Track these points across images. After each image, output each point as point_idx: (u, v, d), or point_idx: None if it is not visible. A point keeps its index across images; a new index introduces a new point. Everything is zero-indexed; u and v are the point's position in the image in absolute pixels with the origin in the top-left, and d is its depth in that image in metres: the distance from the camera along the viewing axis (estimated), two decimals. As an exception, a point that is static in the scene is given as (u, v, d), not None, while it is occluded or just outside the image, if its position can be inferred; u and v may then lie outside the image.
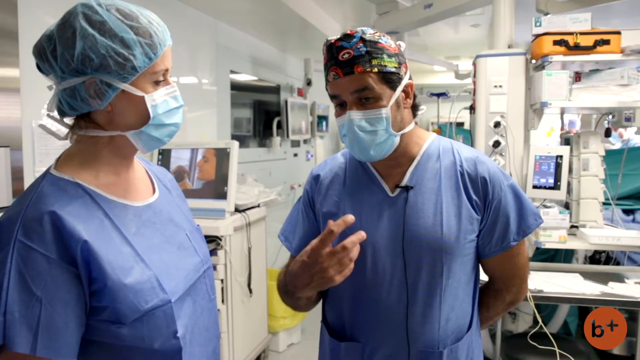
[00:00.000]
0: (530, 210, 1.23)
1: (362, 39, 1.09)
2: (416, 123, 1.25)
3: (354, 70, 1.08)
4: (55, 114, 0.96)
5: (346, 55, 1.09)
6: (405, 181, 1.20)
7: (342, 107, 1.14)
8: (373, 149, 1.14)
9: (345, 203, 1.24)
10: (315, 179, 1.32)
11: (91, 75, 0.88)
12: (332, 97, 1.15)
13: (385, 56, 1.10)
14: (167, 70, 0.97)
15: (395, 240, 1.17)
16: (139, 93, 0.92)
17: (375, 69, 1.09)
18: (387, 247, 1.18)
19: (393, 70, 1.11)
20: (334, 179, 1.29)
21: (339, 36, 1.11)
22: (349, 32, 1.11)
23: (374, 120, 1.11)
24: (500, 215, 1.19)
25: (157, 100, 0.95)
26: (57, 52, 0.88)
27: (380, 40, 1.11)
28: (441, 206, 1.16)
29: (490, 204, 1.18)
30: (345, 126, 1.14)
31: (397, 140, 1.15)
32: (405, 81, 1.14)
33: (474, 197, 1.18)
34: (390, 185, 1.22)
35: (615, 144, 5.49)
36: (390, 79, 1.11)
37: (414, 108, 1.22)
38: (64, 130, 0.98)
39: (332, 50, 1.11)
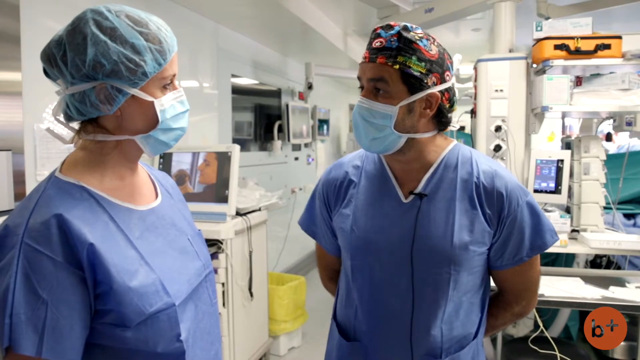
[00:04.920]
0: (547, 227, 1.20)
1: (399, 34, 1.09)
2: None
3: (376, 59, 1.10)
4: (62, 118, 0.96)
5: (378, 44, 1.11)
6: (419, 188, 1.19)
7: (362, 91, 1.17)
8: (370, 140, 1.15)
9: (358, 203, 1.25)
10: (330, 177, 1.34)
11: (102, 80, 0.89)
12: (358, 79, 1.17)
13: (414, 58, 1.08)
14: (174, 75, 0.98)
15: (404, 247, 1.17)
16: (149, 98, 0.93)
17: (397, 66, 1.08)
18: (396, 254, 1.18)
19: (416, 74, 1.08)
20: (348, 178, 1.29)
21: (383, 24, 1.13)
22: (392, 23, 1.11)
23: (377, 114, 1.12)
24: (515, 231, 1.17)
25: (166, 105, 0.96)
26: (67, 57, 0.89)
27: (418, 42, 1.09)
28: (453, 217, 1.15)
29: (504, 219, 1.16)
30: (354, 109, 1.17)
31: (401, 141, 1.14)
32: (430, 90, 1.10)
33: (488, 210, 1.16)
34: (405, 191, 1.21)
35: (609, 150, 5.47)
36: (410, 82, 1.09)
37: (441, 122, 1.18)
38: (71, 135, 0.98)
39: (372, 35, 1.13)
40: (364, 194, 1.25)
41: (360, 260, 1.23)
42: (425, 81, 1.10)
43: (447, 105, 1.15)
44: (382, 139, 1.14)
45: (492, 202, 1.16)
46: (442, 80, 1.12)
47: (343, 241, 1.27)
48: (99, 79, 0.89)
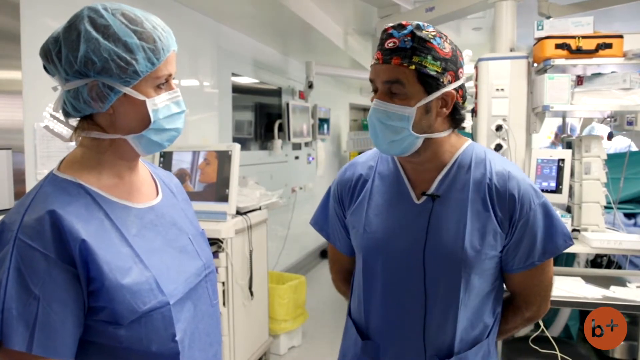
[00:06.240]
0: (560, 231, 1.18)
1: (412, 33, 1.06)
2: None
3: (391, 60, 1.07)
4: (60, 114, 0.96)
5: (391, 44, 1.08)
6: (432, 189, 1.18)
7: (375, 93, 1.14)
8: (389, 143, 1.13)
9: (371, 203, 1.24)
10: (345, 177, 1.33)
11: (94, 77, 0.89)
12: (370, 81, 1.15)
13: (429, 57, 1.06)
14: (170, 75, 0.97)
15: (416, 249, 1.16)
16: (141, 97, 0.93)
17: (413, 67, 1.06)
18: (408, 255, 1.17)
19: (432, 73, 1.06)
20: (362, 178, 1.29)
21: (394, 24, 1.10)
22: (404, 22, 1.09)
23: (394, 116, 1.09)
24: (527, 234, 1.15)
25: (159, 104, 0.95)
26: (61, 53, 0.89)
27: (431, 40, 1.07)
28: (465, 219, 1.13)
29: (516, 222, 1.14)
30: (369, 113, 1.14)
31: (418, 142, 1.12)
32: (446, 89, 1.09)
33: (500, 213, 1.14)
34: (417, 192, 1.20)
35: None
36: (427, 82, 1.07)
37: (456, 120, 1.17)
38: (69, 132, 0.98)
39: (383, 35, 1.11)
40: (377, 195, 1.24)
41: (372, 260, 1.23)
42: (442, 80, 1.08)
43: (461, 102, 1.15)
44: (400, 141, 1.12)
45: (504, 204, 1.14)
46: (456, 77, 1.11)
47: (355, 241, 1.27)
48: (90, 75, 0.89)
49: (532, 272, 1.20)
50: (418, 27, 1.07)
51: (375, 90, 1.14)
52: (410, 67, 1.06)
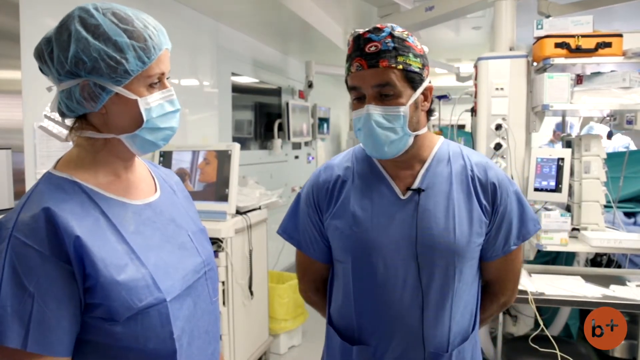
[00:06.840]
0: (530, 216, 1.25)
1: (391, 35, 1.09)
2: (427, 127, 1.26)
3: (378, 64, 1.08)
4: (56, 115, 0.97)
5: (373, 48, 1.09)
6: (416, 184, 1.20)
7: (360, 100, 1.13)
8: (387, 145, 1.13)
9: (354, 203, 1.22)
10: (320, 180, 1.29)
11: (85, 77, 0.89)
12: (352, 88, 1.14)
13: (411, 55, 1.10)
14: (162, 74, 0.96)
15: (407, 244, 1.17)
16: (132, 96, 0.92)
17: (400, 66, 1.08)
18: (399, 251, 1.17)
19: (417, 70, 1.11)
20: (340, 179, 1.26)
21: (368, 29, 1.11)
22: (378, 26, 1.11)
23: (392, 117, 1.11)
24: (505, 221, 1.21)
25: (152, 103, 0.95)
26: (53, 54, 0.89)
27: (408, 39, 1.11)
28: (453, 210, 1.17)
29: (497, 209, 1.20)
30: (361, 120, 1.13)
31: (411, 140, 1.15)
32: (426, 84, 1.15)
33: (484, 201, 1.19)
34: (401, 188, 1.21)
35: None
36: (413, 79, 1.11)
37: (429, 112, 1.22)
38: (65, 132, 0.98)
39: (359, 41, 1.11)
40: (360, 194, 1.22)
41: (362, 260, 1.21)
42: (423, 75, 1.13)
43: None
44: (397, 141, 1.13)
45: (487, 193, 1.20)
46: (429, 71, 1.17)
47: (341, 243, 1.23)
48: (81, 75, 0.89)
49: (508, 258, 1.26)
50: (393, 28, 1.10)
51: (358, 97, 1.14)
52: (398, 67, 1.09)
